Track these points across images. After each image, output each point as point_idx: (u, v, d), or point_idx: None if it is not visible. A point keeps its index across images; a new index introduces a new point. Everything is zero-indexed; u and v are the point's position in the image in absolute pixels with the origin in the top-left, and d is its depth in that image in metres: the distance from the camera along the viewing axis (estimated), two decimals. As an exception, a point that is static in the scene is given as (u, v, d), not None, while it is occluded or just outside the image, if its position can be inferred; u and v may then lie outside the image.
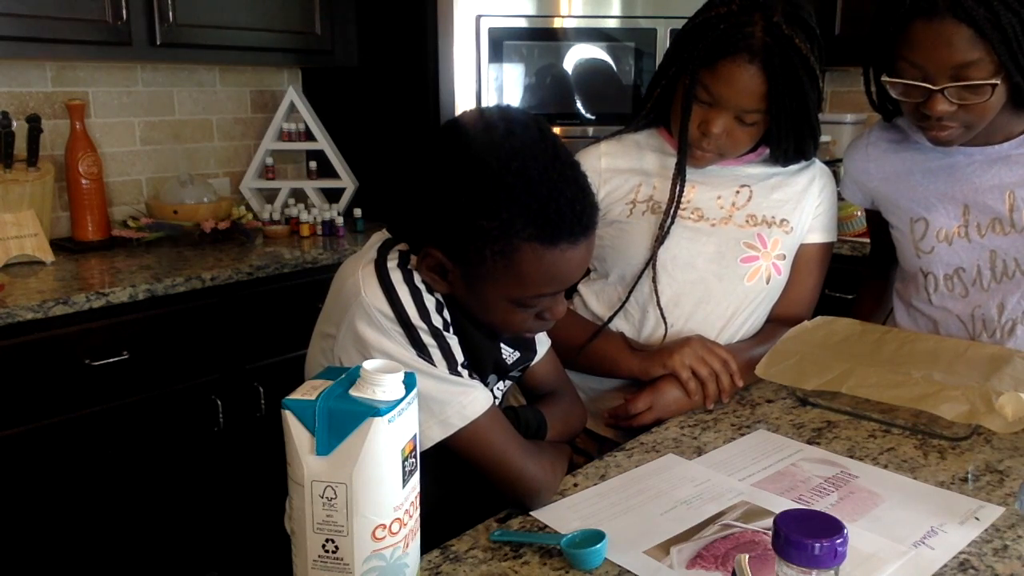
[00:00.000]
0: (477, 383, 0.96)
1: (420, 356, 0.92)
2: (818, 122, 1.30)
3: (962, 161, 1.30)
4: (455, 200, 0.90)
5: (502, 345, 1.05)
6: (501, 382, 1.09)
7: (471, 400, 0.93)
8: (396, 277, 0.92)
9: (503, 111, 0.95)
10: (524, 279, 0.90)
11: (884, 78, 1.22)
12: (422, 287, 0.93)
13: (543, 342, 1.17)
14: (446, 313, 0.95)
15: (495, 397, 1.07)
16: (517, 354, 1.07)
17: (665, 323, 1.32)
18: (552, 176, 0.89)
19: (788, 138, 1.29)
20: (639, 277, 1.34)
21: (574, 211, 0.89)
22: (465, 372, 0.96)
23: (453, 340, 0.95)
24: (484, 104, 2.48)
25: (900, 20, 1.16)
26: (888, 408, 1.18)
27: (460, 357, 0.95)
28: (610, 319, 1.35)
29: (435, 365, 0.92)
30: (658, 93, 1.33)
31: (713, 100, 1.24)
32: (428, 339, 0.92)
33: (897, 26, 1.17)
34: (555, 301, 0.97)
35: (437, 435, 0.92)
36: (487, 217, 0.88)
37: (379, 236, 1.01)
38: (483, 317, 0.97)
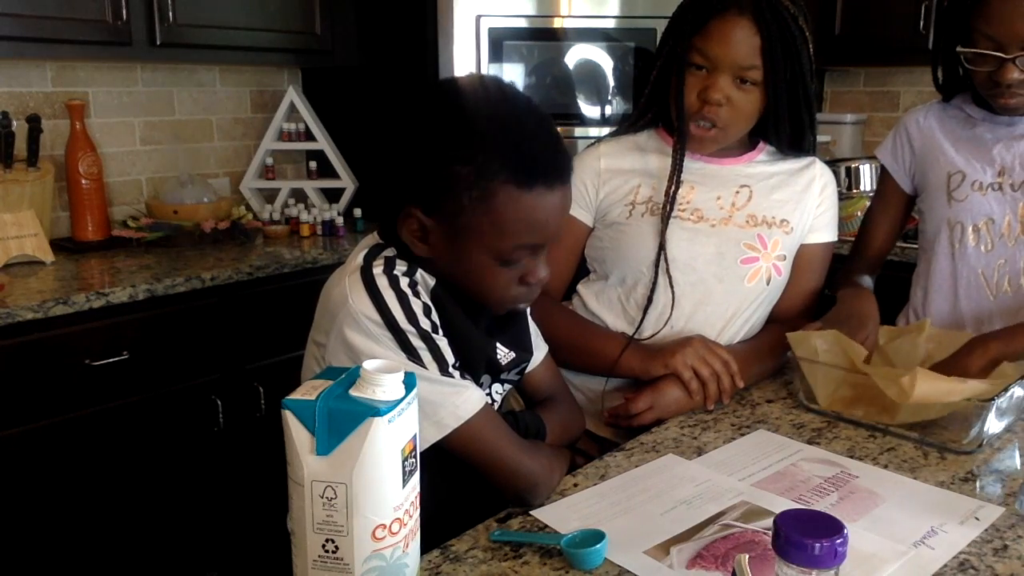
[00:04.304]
0: (469, 383, 0.96)
1: (410, 359, 0.92)
2: (814, 99, 1.33)
3: (1004, 133, 1.41)
4: (430, 148, 0.91)
5: (497, 344, 1.05)
6: (498, 383, 1.09)
7: (464, 400, 0.93)
8: (382, 283, 0.93)
9: (480, 73, 1.00)
10: (502, 227, 0.91)
11: (959, 48, 1.32)
12: (408, 292, 0.93)
13: (540, 347, 1.17)
14: (434, 315, 0.95)
15: (493, 400, 1.07)
16: (512, 354, 1.07)
17: (669, 320, 1.32)
18: (525, 121, 0.92)
19: (784, 114, 1.31)
20: (640, 278, 1.34)
21: (548, 154, 0.91)
22: (456, 373, 0.96)
23: (443, 342, 0.95)
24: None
25: None
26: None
27: (451, 358, 0.95)
28: (638, 327, 1.35)
29: (426, 368, 0.92)
30: (655, 75, 1.34)
31: (709, 63, 1.25)
32: (417, 342, 0.92)
33: (975, 0, 1.29)
34: (536, 261, 0.97)
35: (432, 437, 0.92)
36: (462, 162, 0.89)
37: (365, 243, 1.02)
38: (467, 282, 0.97)
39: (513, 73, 2.53)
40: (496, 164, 0.89)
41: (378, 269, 0.94)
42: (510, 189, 0.89)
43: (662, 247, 1.31)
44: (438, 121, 0.92)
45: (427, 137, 0.92)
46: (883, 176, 1.56)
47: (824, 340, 1.24)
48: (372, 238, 1.03)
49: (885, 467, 1.05)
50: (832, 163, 2.43)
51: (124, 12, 2.14)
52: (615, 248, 1.36)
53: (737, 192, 1.36)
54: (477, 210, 0.90)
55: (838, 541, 0.56)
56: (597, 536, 0.84)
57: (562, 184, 0.93)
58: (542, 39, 2.54)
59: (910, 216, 1.58)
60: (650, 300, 1.32)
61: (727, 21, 1.22)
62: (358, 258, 0.97)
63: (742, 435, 1.15)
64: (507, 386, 1.12)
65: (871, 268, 1.55)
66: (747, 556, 0.61)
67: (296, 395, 0.70)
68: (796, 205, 1.37)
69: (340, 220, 2.62)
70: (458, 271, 0.96)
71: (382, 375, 0.69)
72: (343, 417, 0.68)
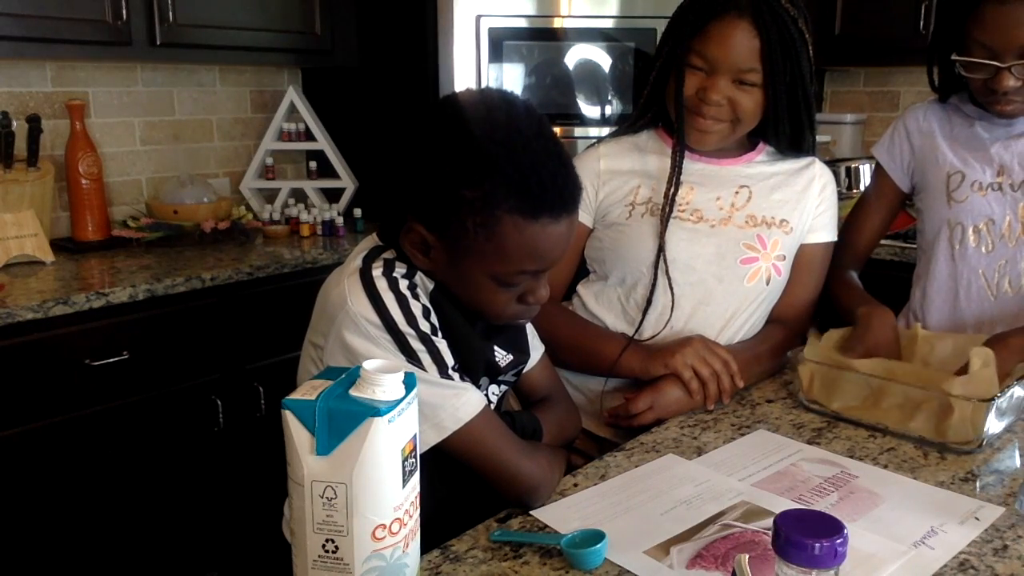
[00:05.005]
0: (469, 385, 0.96)
1: (410, 362, 0.92)
2: (814, 100, 1.33)
3: (1001, 133, 1.41)
4: (439, 169, 0.90)
5: (495, 347, 1.05)
6: (495, 385, 1.08)
7: (464, 402, 0.93)
8: (381, 285, 0.93)
9: (493, 90, 0.98)
10: (505, 253, 0.90)
11: (954, 56, 1.33)
12: (408, 294, 0.93)
13: (537, 347, 1.17)
14: (433, 318, 0.95)
15: (490, 401, 1.07)
16: (510, 356, 1.07)
17: (669, 321, 1.32)
18: (536, 149, 0.90)
19: (784, 115, 1.30)
20: (639, 279, 1.34)
21: (556, 185, 0.90)
22: (456, 375, 0.96)
23: (442, 344, 0.95)
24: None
25: (972, 3, 1.28)
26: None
27: (450, 361, 0.95)
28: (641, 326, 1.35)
29: (426, 370, 0.92)
30: (655, 76, 1.34)
31: (708, 65, 1.25)
32: (417, 344, 0.92)
33: (969, 8, 1.29)
34: (537, 283, 0.97)
35: (432, 439, 0.91)
36: (469, 187, 0.88)
37: (364, 244, 1.02)
38: (466, 296, 0.97)
39: (513, 73, 2.53)
40: (503, 192, 0.88)
41: (377, 271, 0.94)
42: (516, 218, 0.89)
43: (661, 248, 1.31)
44: (448, 142, 0.91)
45: (435, 158, 0.91)
46: (878, 173, 1.55)
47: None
48: (371, 240, 1.02)
49: (885, 467, 1.05)
50: (832, 163, 2.43)
51: (124, 12, 2.14)
52: (615, 249, 1.36)
53: (737, 192, 1.36)
54: (480, 235, 0.90)
55: (838, 541, 0.56)
56: (597, 536, 0.84)
57: (568, 214, 0.92)
58: (542, 39, 2.54)
59: (901, 212, 1.59)
60: (650, 301, 1.32)
61: (726, 23, 1.22)
62: (357, 260, 0.97)
63: (742, 435, 1.15)
64: (504, 387, 1.12)
65: (858, 263, 1.55)
66: (747, 556, 0.61)
67: (296, 395, 0.70)
68: (796, 205, 1.37)
69: (340, 220, 2.62)
70: (458, 286, 0.97)
71: (382, 375, 0.69)
72: (343, 417, 0.68)
